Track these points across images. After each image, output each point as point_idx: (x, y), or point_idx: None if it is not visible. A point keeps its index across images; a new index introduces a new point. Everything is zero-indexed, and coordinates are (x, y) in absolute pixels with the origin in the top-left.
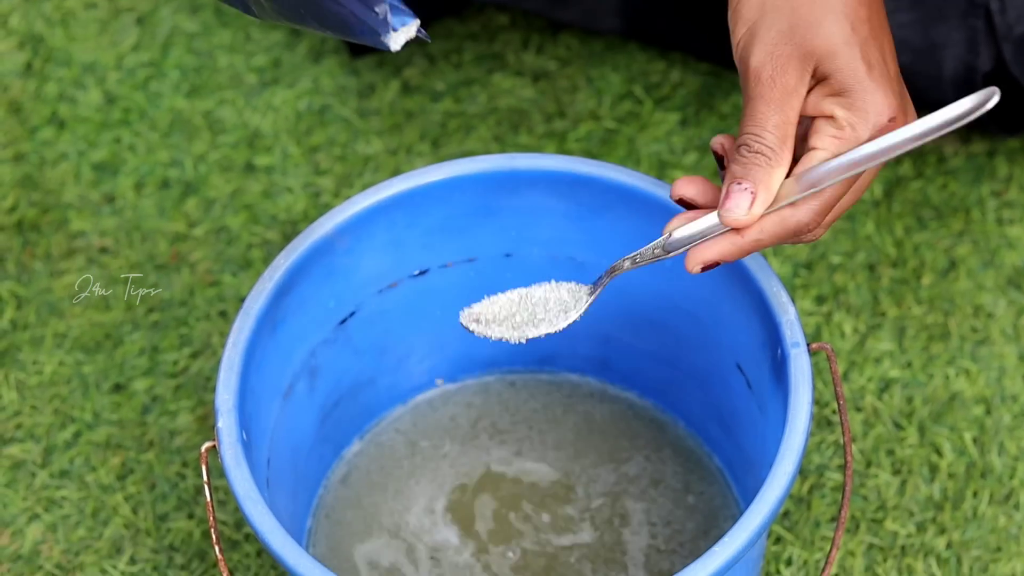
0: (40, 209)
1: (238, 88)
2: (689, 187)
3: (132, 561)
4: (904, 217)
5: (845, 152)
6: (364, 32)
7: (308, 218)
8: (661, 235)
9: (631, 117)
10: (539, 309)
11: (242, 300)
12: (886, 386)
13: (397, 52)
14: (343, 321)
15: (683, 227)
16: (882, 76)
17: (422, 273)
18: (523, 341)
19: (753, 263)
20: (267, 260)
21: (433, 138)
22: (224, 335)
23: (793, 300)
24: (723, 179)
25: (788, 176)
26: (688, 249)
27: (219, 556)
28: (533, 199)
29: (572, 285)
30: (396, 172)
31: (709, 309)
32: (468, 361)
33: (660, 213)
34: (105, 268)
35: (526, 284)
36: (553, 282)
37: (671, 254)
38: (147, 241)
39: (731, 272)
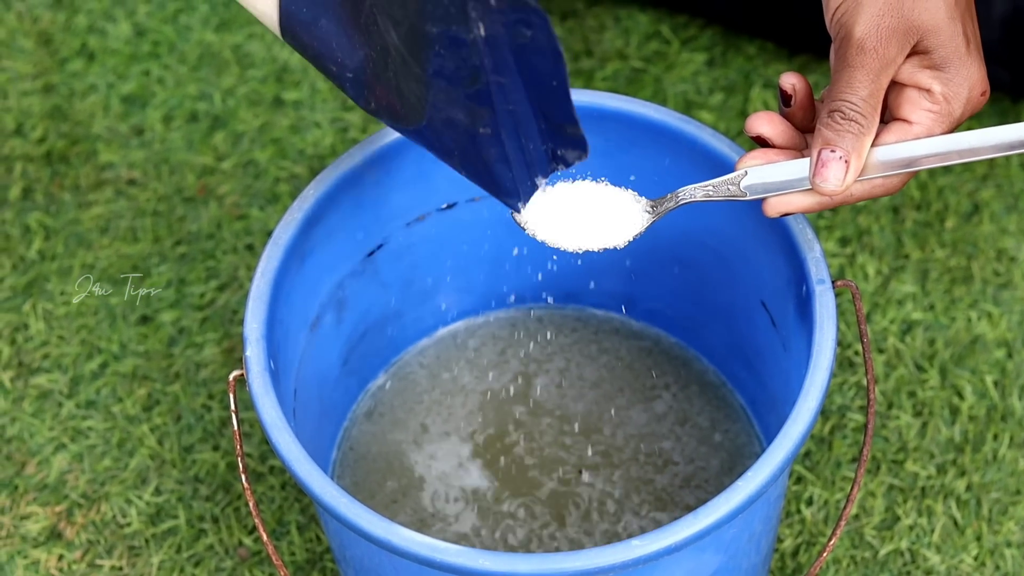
0: (69, 140)
1: None
2: (766, 126)
3: (157, 492)
4: None
5: (938, 128)
6: (505, 192)
7: (335, 153)
8: (734, 169)
9: (658, 57)
10: (592, 213)
11: (269, 234)
12: (908, 328)
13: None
14: (371, 253)
15: (761, 170)
16: (976, 50)
17: (450, 207)
18: (579, 251)
19: None
20: (294, 194)
21: None
22: (251, 268)
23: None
24: (785, 115)
25: (875, 144)
26: (768, 197)
27: (245, 485)
28: None
29: (627, 194)
30: None
31: (734, 246)
32: (495, 296)
33: (688, 149)
34: (133, 200)
35: None
36: (604, 182)
37: (749, 197)
38: (175, 174)
39: (757, 208)
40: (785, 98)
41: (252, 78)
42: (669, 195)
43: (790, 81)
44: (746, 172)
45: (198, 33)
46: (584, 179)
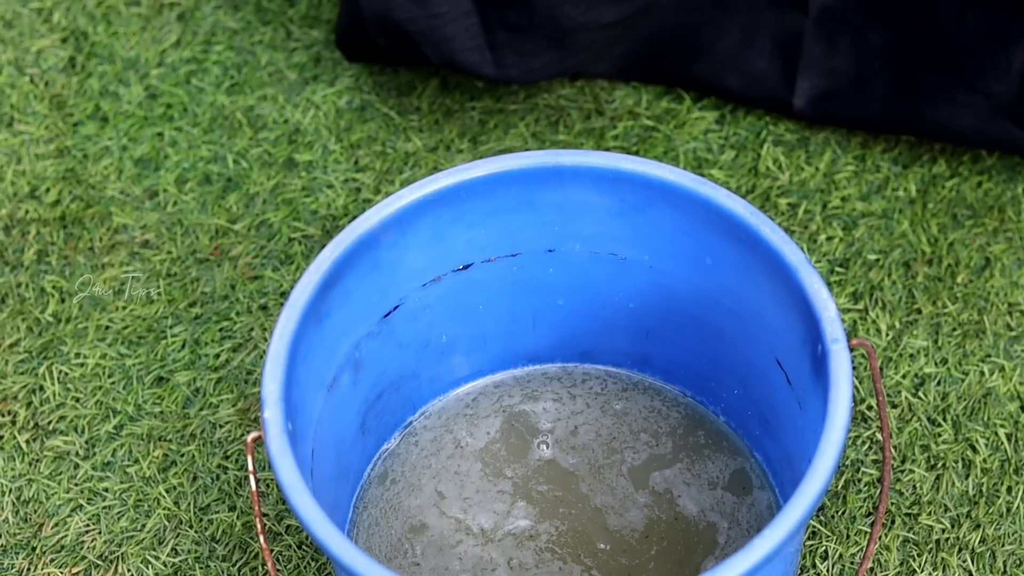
0: (83, 203)
1: (279, 85)
2: None
3: (174, 552)
4: (939, 215)
5: None
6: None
7: (349, 214)
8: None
9: (669, 115)
10: None
11: (283, 294)
12: (921, 382)
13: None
14: (387, 315)
15: None
16: None
17: (466, 267)
18: None
19: (794, 259)
20: (308, 255)
21: (472, 135)
22: (265, 329)
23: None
24: None
25: None
26: None
27: (264, 545)
28: (576, 195)
29: None
30: (435, 169)
31: (749, 305)
32: (510, 355)
33: (702, 210)
34: (148, 262)
35: (568, 280)
36: None
37: None
38: (189, 236)
39: (772, 268)
40: None
41: (264, 140)
42: None
43: None
44: None
45: (210, 95)
46: None
